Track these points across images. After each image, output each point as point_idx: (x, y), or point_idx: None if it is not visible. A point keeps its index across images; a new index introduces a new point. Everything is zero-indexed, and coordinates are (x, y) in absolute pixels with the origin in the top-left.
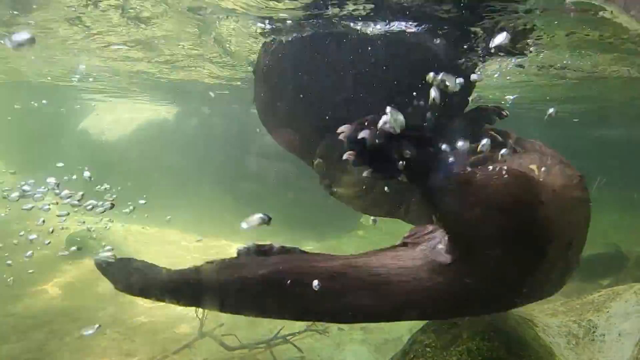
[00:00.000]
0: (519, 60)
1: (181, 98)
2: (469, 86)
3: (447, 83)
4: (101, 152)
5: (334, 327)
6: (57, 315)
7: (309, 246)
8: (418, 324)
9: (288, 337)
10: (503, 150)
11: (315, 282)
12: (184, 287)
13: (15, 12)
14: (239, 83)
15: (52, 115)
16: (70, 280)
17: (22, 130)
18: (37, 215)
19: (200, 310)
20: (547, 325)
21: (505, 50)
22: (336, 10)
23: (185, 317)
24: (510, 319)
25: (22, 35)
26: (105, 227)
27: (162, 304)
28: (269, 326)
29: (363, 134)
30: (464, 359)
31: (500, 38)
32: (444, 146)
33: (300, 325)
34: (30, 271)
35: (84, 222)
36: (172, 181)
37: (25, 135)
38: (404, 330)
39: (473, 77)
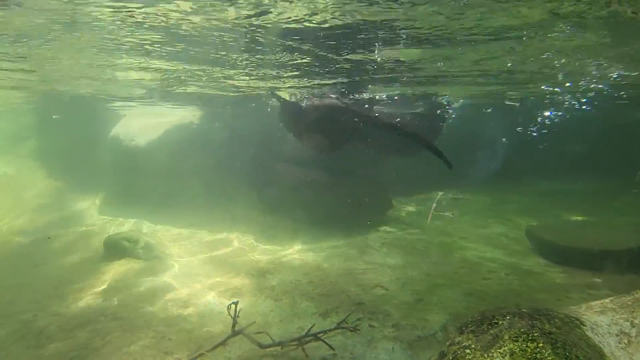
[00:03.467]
0: None
1: (205, 102)
2: None
3: None
4: (132, 156)
5: (364, 324)
6: (99, 315)
7: (336, 242)
8: (452, 321)
9: (319, 335)
10: None
11: None
12: None
13: None
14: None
15: (87, 123)
16: (109, 281)
17: (61, 139)
18: (78, 219)
19: (232, 308)
20: (596, 324)
21: None
22: None
23: (218, 315)
24: (555, 318)
25: None
26: (140, 229)
27: (196, 304)
28: (299, 323)
29: None
30: None
31: None
32: None
33: (330, 322)
34: (73, 273)
35: (120, 226)
36: (199, 183)
37: (64, 143)
38: (437, 327)
39: None
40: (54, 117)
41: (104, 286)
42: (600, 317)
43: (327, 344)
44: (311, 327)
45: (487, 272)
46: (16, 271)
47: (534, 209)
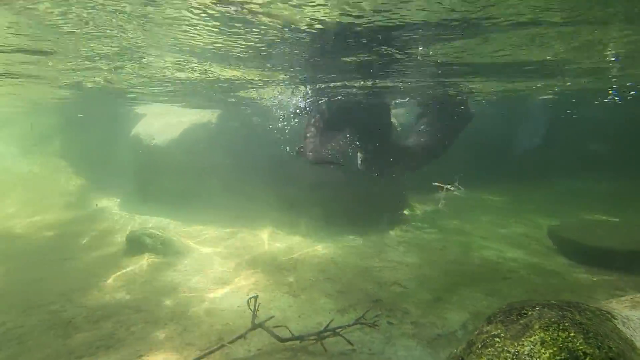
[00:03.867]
0: None
1: (223, 101)
2: None
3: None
4: (152, 155)
5: (383, 321)
6: (123, 307)
7: (353, 240)
8: (473, 320)
9: (338, 330)
10: None
11: None
12: None
13: None
14: None
15: (109, 122)
16: (132, 275)
17: (84, 138)
18: (101, 216)
19: (252, 302)
20: (627, 318)
21: None
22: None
23: (237, 310)
24: (586, 311)
25: None
26: (161, 226)
27: (215, 298)
28: (318, 319)
29: None
30: (537, 349)
31: None
32: None
33: (348, 319)
34: (97, 267)
35: (141, 222)
36: (218, 181)
37: (87, 142)
38: (457, 325)
39: None
40: (79, 115)
41: (127, 280)
42: (632, 312)
43: (346, 339)
44: (329, 322)
45: (508, 271)
46: (44, 265)
47: (554, 209)
